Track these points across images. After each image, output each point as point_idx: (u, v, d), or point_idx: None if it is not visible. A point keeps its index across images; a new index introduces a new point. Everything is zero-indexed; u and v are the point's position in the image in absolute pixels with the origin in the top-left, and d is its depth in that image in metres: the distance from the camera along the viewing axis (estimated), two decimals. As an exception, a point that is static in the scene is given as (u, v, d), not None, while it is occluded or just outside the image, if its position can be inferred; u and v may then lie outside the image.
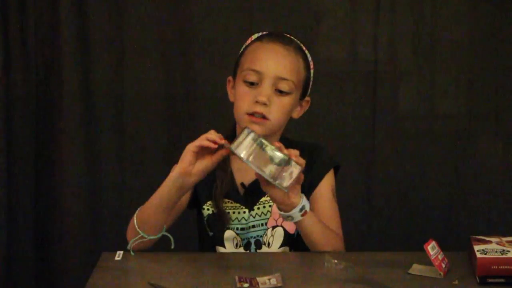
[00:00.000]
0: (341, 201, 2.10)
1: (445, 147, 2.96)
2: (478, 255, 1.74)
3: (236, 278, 1.73)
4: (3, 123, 2.83)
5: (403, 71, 2.97)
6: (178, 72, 2.92)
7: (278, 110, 1.98)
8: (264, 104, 1.96)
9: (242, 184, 2.06)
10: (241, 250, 2.04)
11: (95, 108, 2.91)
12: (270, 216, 2.04)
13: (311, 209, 1.91)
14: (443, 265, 1.77)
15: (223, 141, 1.81)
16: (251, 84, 1.99)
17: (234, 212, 2.04)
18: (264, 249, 2.04)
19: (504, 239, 1.82)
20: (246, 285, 1.70)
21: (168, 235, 1.92)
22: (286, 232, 2.03)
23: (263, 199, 2.04)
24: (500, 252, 1.75)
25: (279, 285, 1.71)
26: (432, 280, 1.75)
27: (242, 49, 2.08)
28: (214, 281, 1.76)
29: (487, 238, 1.83)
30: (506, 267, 1.72)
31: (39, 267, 2.93)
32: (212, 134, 1.82)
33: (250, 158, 1.78)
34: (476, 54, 2.94)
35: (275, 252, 2.03)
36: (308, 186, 2.05)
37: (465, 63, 2.95)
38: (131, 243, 1.90)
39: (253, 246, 2.04)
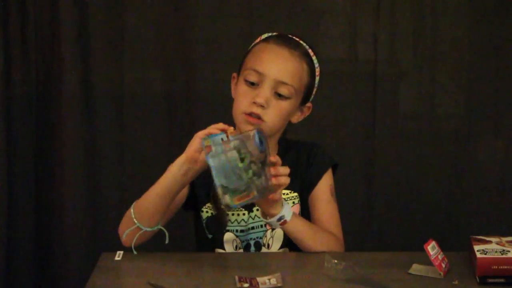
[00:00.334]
0: (341, 201, 2.10)
1: (445, 147, 2.96)
2: (478, 255, 1.74)
3: (236, 278, 1.73)
4: (3, 123, 2.83)
5: (403, 71, 2.98)
6: (178, 72, 2.92)
7: (275, 113, 1.98)
8: (262, 106, 1.96)
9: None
10: (241, 252, 2.04)
11: (95, 108, 2.91)
12: (270, 217, 2.04)
13: (311, 207, 1.91)
14: (443, 265, 1.77)
15: (231, 128, 1.81)
16: (252, 84, 1.98)
17: (233, 214, 2.04)
18: (264, 250, 2.04)
19: (504, 239, 1.82)
20: (246, 285, 1.70)
21: (163, 229, 1.92)
22: (285, 233, 2.03)
23: (262, 200, 2.04)
24: (500, 252, 1.75)
25: (279, 285, 1.71)
26: (432, 280, 1.75)
27: (250, 47, 2.07)
28: (214, 281, 1.76)
29: (487, 238, 1.83)
30: (506, 267, 1.72)
31: (39, 267, 2.93)
32: (221, 125, 1.83)
33: (217, 160, 1.73)
34: (476, 54, 2.94)
35: (275, 252, 2.03)
36: (307, 185, 2.05)
37: (465, 63, 2.95)
38: (126, 233, 1.90)
39: (252, 248, 2.04)
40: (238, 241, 2.04)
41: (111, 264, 1.86)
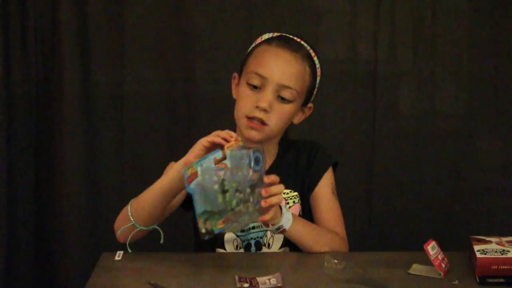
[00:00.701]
0: (342, 201, 2.10)
1: (445, 147, 2.96)
2: (478, 255, 1.74)
3: (236, 278, 1.73)
4: (3, 122, 2.82)
5: (403, 71, 2.97)
6: (178, 72, 2.92)
7: (278, 117, 1.98)
8: (265, 110, 1.96)
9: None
10: (241, 252, 2.04)
11: (95, 108, 2.91)
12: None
13: (313, 207, 1.91)
14: (443, 265, 1.78)
15: (233, 137, 1.80)
16: (254, 87, 1.98)
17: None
18: (264, 250, 2.04)
19: (504, 239, 1.82)
20: (246, 285, 1.70)
21: (158, 228, 1.92)
22: (286, 233, 2.03)
23: (262, 200, 2.04)
24: (500, 252, 1.75)
25: (279, 285, 1.71)
26: (432, 280, 1.75)
27: (251, 47, 2.07)
28: (214, 281, 1.76)
29: (487, 238, 1.83)
30: (506, 267, 1.72)
31: (39, 267, 2.93)
32: (225, 133, 1.82)
33: (199, 188, 1.73)
34: (476, 54, 2.94)
35: (275, 252, 2.03)
36: (307, 185, 2.05)
37: (465, 63, 2.95)
38: (121, 229, 1.90)
39: (253, 248, 2.04)
40: (239, 240, 2.04)
41: (111, 264, 1.86)
